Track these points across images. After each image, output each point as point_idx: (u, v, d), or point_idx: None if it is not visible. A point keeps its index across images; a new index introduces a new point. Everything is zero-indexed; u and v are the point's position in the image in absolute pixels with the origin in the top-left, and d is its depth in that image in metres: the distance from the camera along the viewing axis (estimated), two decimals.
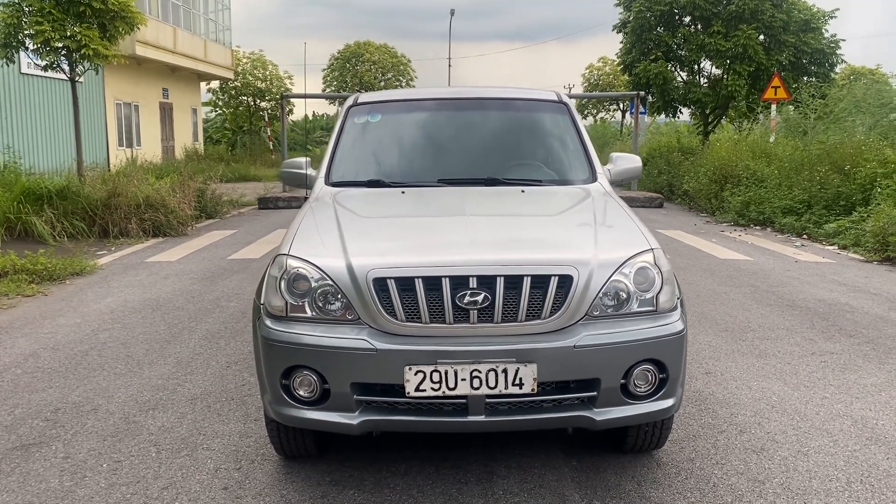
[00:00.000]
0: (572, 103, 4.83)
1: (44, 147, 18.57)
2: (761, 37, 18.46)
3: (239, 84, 32.74)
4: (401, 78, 44.63)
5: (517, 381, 2.82)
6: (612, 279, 2.98)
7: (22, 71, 17.23)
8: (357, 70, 43.43)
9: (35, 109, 18.34)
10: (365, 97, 4.86)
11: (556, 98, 4.78)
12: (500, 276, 2.88)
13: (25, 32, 11.43)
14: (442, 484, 3.27)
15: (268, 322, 3.03)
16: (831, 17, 18.74)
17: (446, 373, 2.81)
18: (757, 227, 12.51)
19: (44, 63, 12.05)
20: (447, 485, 3.26)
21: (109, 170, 15.20)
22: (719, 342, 5.51)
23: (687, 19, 19.70)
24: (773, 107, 16.92)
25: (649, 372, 2.99)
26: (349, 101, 4.81)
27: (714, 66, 19.77)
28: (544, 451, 3.58)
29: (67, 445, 3.69)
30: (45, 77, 17.64)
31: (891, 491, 3.23)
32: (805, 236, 11.24)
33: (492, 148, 4.53)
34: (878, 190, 10.48)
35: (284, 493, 3.20)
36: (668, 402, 3.05)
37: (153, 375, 4.74)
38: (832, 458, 3.55)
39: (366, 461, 3.48)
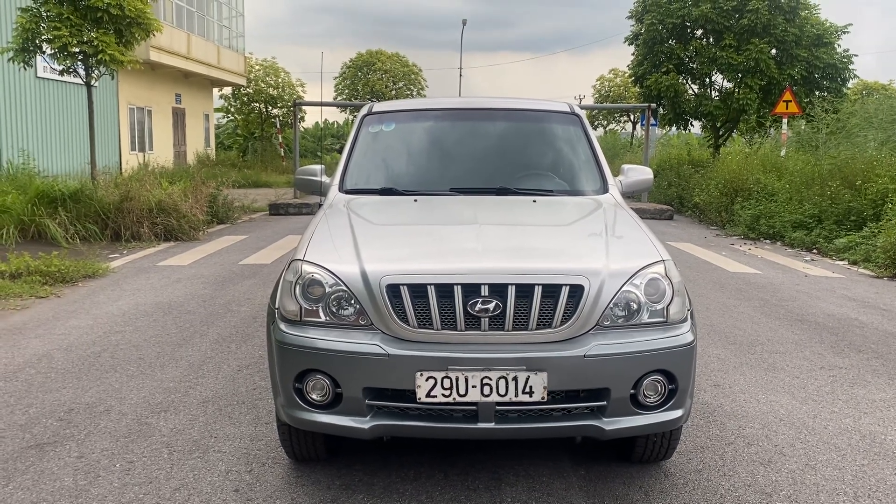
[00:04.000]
0: (584, 114, 4.87)
1: (58, 150, 18.75)
2: (773, 51, 18.47)
3: (251, 91, 32.95)
4: (412, 87, 44.84)
5: (527, 389, 2.85)
6: (622, 290, 3.00)
7: (38, 75, 17.42)
8: (369, 79, 43.65)
9: (50, 113, 18.52)
10: (379, 107, 4.91)
11: (568, 109, 4.81)
12: (511, 284, 2.91)
13: (43, 37, 11.60)
14: (451, 490, 3.30)
15: (282, 326, 3.07)
16: (844, 32, 18.74)
17: (457, 379, 2.84)
18: (767, 241, 12.49)
19: (60, 68, 12.22)
20: (456, 491, 3.29)
21: (122, 174, 15.33)
22: (728, 355, 5.51)
23: (699, 32, 19.75)
24: (784, 121, 16.91)
25: (659, 382, 3.01)
26: (363, 111, 4.86)
27: (725, 80, 19.79)
28: (552, 459, 3.60)
29: (81, 445, 3.74)
30: (61, 81, 17.82)
31: None
32: (815, 251, 11.22)
33: (503, 158, 4.57)
34: (890, 206, 10.45)
35: (295, 497, 3.23)
36: (677, 413, 3.07)
37: (165, 378, 4.79)
38: (840, 472, 3.56)
39: (376, 466, 3.51)
